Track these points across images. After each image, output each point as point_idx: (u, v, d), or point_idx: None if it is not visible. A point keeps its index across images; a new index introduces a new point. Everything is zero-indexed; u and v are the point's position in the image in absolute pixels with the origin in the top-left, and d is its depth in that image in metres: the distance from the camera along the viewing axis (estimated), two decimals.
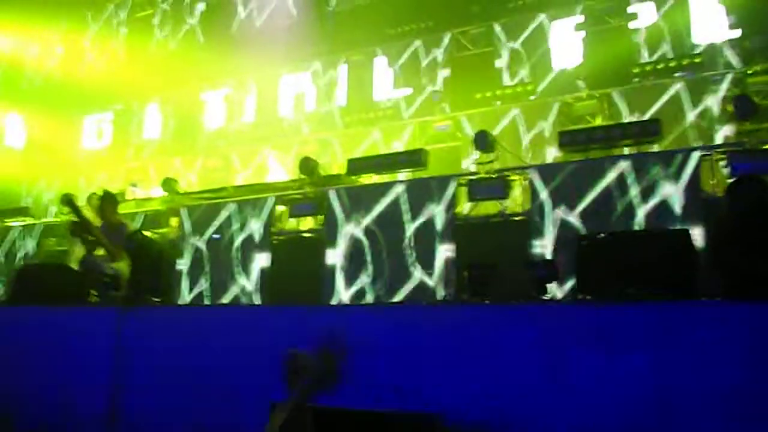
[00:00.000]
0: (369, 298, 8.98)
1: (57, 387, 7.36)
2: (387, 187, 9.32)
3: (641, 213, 7.58)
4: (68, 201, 9.86)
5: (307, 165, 10.42)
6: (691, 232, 5.78)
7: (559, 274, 6.37)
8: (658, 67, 10.63)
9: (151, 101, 16.42)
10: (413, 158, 9.82)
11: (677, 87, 10.46)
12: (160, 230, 11.03)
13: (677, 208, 7.42)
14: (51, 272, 9.37)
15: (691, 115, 10.28)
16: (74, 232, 9.44)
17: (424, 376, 5.41)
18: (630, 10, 10.96)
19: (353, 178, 10.18)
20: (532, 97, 11.76)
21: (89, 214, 9.77)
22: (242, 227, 10.31)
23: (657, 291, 5.09)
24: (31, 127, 18.12)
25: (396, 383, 5.38)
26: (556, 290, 6.31)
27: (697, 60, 10.40)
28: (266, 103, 14.68)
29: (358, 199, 9.39)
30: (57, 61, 18.17)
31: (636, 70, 10.81)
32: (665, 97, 10.48)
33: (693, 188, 7.43)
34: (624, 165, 7.82)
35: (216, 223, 10.53)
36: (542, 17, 11.87)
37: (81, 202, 10.23)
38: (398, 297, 8.74)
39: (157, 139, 16.23)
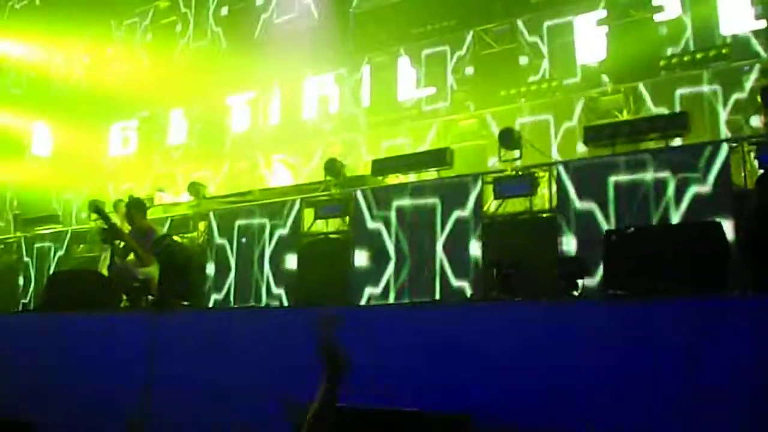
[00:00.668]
0: (396, 298, 8.96)
1: (88, 392, 7.42)
2: (413, 186, 9.30)
3: (670, 207, 7.49)
4: (96, 208, 9.98)
5: (333, 166, 10.45)
6: (721, 224, 5.69)
7: (588, 269, 6.32)
8: (684, 59, 10.50)
9: (176, 107, 16.52)
10: (438, 157, 9.80)
11: (704, 79, 10.34)
12: (188, 234, 11.10)
13: (707, 201, 7.32)
14: (81, 279, 9.45)
15: (719, 107, 10.16)
16: (105, 239, 9.52)
17: (453, 376, 5.39)
18: (655, 2, 10.83)
19: (379, 178, 10.18)
20: (556, 93, 11.70)
21: (117, 220, 9.86)
22: (269, 230, 10.33)
23: (687, 285, 5.04)
24: (58, 135, 18.32)
25: (425, 383, 5.36)
26: (585, 286, 6.24)
27: (724, 51, 10.27)
28: (290, 106, 14.72)
29: (384, 200, 9.38)
30: (83, 70, 18.34)
31: (662, 63, 10.69)
32: (692, 90, 10.36)
33: (723, 181, 7.33)
34: (651, 159, 7.74)
35: (243, 227, 10.56)
36: (565, 12, 11.78)
37: (108, 208, 10.33)
38: (426, 296, 8.71)
39: (183, 145, 16.34)
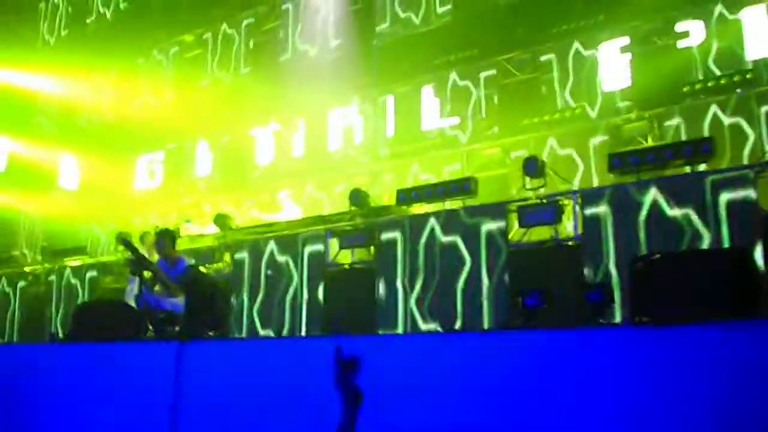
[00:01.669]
0: (423, 326, 8.94)
1: (116, 423, 7.45)
2: (437, 215, 9.30)
3: (698, 233, 7.43)
4: (124, 240, 10.06)
5: (357, 196, 10.48)
6: (750, 250, 5.64)
7: (614, 297, 6.28)
8: (709, 85, 10.49)
9: (202, 139, 16.68)
10: (463, 186, 9.79)
11: (729, 104, 10.30)
12: (214, 265, 11.15)
13: (734, 227, 7.26)
14: (108, 310, 9.54)
15: (746, 132, 10.11)
16: (133, 270, 9.58)
17: (479, 405, 5.36)
18: (678, 29, 10.83)
19: (403, 207, 10.19)
20: (580, 121, 11.69)
21: (144, 251, 9.94)
22: (294, 260, 10.36)
23: (717, 311, 4.99)
24: (85, 168, 18.53)
25: (452, 412, 5.34)
26: (612, 314, 6.21)
27: (748, 76, 10.23)
28: (315, 138, 14.81)
29: (409, 229, 9.38)
30: (108, 103, 18.59)
31: (686, 89, 10.68)
32: (719, 115, 10.33)
33: (751, 206, 7.27)
34: (677, 184, 7.70)
35: (269, 257, 10.59)
36: (588, 40, 11.81)
37: (135, 240, 10.42)
38: (451, 324, 8.68)
39: (208, 177, 16.48)
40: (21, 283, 13.81)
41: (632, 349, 5.07)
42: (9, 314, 13.71)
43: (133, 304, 9.61)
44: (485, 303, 8.54)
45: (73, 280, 12.93)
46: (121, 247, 11.70)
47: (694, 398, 4.65)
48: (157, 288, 9.29)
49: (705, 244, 7.31)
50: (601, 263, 7.89)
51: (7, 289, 13.96)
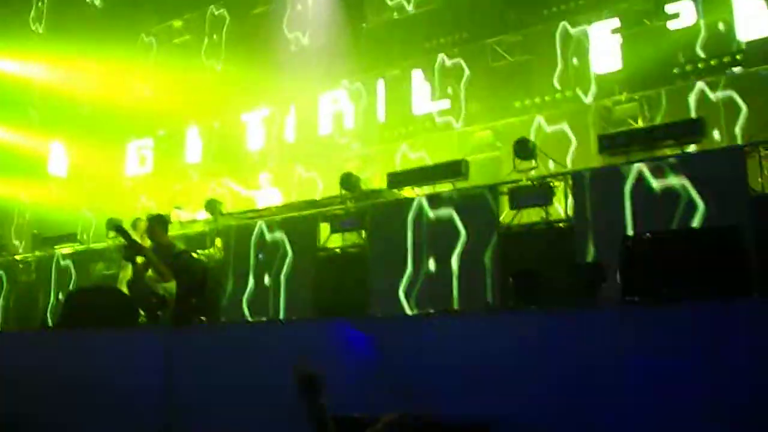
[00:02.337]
0: (414, 308, 8.94)
1: (107, 409, 7.44)
2: (428, 198, 9.29)
3: (687, 213, 7.44)
4: (116, 226, 10.04)
5: (349, 180, 10.46)
6: (739, 228, 5.63)
7: (607, 276, 6.28)
8: (699, 66, 10.49)
9: (192, 125, 16.63)
10: (454, 169, 9.79)
11: (720, 85, 10.30)
12: (205, 251, 11.13)
13: (723, 206, 7.27)
14: (99, 296, 9.51)
15: (737, 111, 10.10)
16: (127, 256, 9.56)
17: (472, 385, 5.37)
18: (669, 10, 10.80)
19: (395, 191, 10.18)
20: (570, 103, 11.69)
21: (136, 237, 9.91)
22: (285, 245, 10.35)
23: (705, 290, 5.00)
24: (75, 155, 18.47)
25: (444, 392, 5.34)
26: (603, 293, 6.20)
27: (738, 57, 10.23)
28: (306, 122, 14.78)
29: (400, 212, 9.37)
30: (98, 90, 18.49)
31: (676, 71, 10.68)
32: (708, 96, 10.32)
33: (740, 186, 7.28)
34: (667, 165, 7.70)
35: (259, 242, 10.58)
36: (578, 22, 11.79)
37: (126, 226, 10.39)
38: (443, 306, 8.69)
39: (199, 163, 16.44)
40: (12, 271, 13.78)
41: (623, 328, 5.08)
42: (1, 302, 13.69)
43: (125, 290, 9.60)
44: (478, 286, 8.55)
45: (65, 268, 12.90)
46: (113, 233, 11.69)
47: (684, 377, 4.67)
48: (149, 274, 9.27)
49: (695, 223, 7.32)
50: (592, 244, 7.89)
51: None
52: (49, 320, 12.43)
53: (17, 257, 14.35)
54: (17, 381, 8.33)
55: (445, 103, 13.10)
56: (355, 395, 5.28)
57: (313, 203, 11.22)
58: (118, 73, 18.01)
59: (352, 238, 10.11)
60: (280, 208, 11.55)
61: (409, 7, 13.86)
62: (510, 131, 11.87)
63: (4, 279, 13.86)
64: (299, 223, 10.35)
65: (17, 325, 13.06)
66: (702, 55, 10.58)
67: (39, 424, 7.74)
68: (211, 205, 11.94)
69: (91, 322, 8.40)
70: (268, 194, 13.14)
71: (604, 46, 11.32)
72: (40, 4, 20.44)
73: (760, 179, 7.55)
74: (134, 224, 11.12)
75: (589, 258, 7.89)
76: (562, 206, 8.65)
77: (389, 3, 14.10)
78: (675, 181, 7.54)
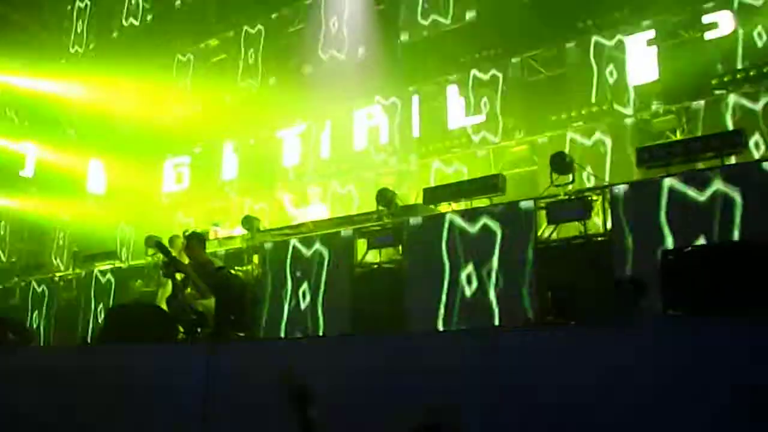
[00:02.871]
0: (453, 324, 8.91)
1: (146, 425, 7.49)
2: (465, 214, 9.26)
3: (729, 226, 7.34)
4: (156, 243, 10.14)
5: (385, 196, 10.45)
6: None
7: (646, 290, 6.22)
8: (738, 77, 10.38)
9: (228, 142, 16.78)
10: (490, 184, 9.75)
11: (759, 96, 10.17)
12: (243, 267, 11.19)
13: (765, 219, 7.16)
14: (139, 312, 9.60)
15: None
16: (166, 273, 9.64)
17: (509, 398, 5.33)
18: (705, 20, 10.72)
19: (431, 207, 10.16)
20: (607, 117, 11.62)
21: (174, 254, 10.00)
22: (323, 261, 10.36)
23: (748, 304, 4.93)
24: (112, 173, 18.70)
25: (482, 405, 5.32)
26: (643, 307, 6.14)
27: None
28: (341, 138, 14.85)
29: (437, 228, 9.35)
30: (135, 108, 18.73)
31: (714, 82, 10.57)
32: (747, 107, 10.20)
33: None
34: (708, 177, 7.61)
35: (297, 259, 10.61)
36: (613, 35, 11.73)
37: (164, 243, 10.48)
38: (482, 323, 8.64)
39: (235, 179, 16.57)
40: (53, 289, 13.96)
41: (665, 341, 5.02)
42: (44, 319, 13.87)
43: (164, 306, 9.68)
44: (517, 300, 8.49)
45: (105, 285, 13.04)
46: (152, 250, 11.81)
47: (726, 390, 4.60)
48: (188, 290, 9.34)
49: (736, 236, 7.22)
50: (631, 258, 7.82)
51: (40, 295, 14.12)
52: (90, 337, 12.57)
53: (58, 274, 14.53)
54: (57, 396, 8.42)
55: (481, 118, 13.08)
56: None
57: (349, 219, 11.23)
58: (155, 91, 18.25)
59: (388, 253, 10.11)
60: (316, 223, 11.57)
61: (445, 22, 13.86)
62: (546, 145, 11.82)
63: (47, 296, 14.04)
64: (335, 239, 10.36)
65: (58, 342, 13.20)
66: (740, 65, 10.48)
67: None
68: (248, 222, 12.00)
69: (130, 338, 8.47)
70: (315, 210, 13.16)
71: (641, 58, 11.25)
72: (78, 26, 20.77)
73: None
74: (172, 241, 11.22)
75: (628, 272, 7.81)
76: (600, 220, 8.58)
77: (423, 19, 14.13)
78: (715, 193, 7.44)
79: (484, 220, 9.00)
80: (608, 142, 11.41)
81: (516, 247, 8.69)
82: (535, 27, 12.72)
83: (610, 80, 11.70)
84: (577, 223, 8.70)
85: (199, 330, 9.06)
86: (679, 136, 10.44)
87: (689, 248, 6.04)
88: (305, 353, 7.09)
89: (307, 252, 10.51)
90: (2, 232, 20.52)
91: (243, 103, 16.45)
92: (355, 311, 9.82)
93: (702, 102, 10.65)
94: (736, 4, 10.58)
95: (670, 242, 7.57)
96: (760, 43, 10.38)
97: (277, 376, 4.28)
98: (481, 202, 9.68)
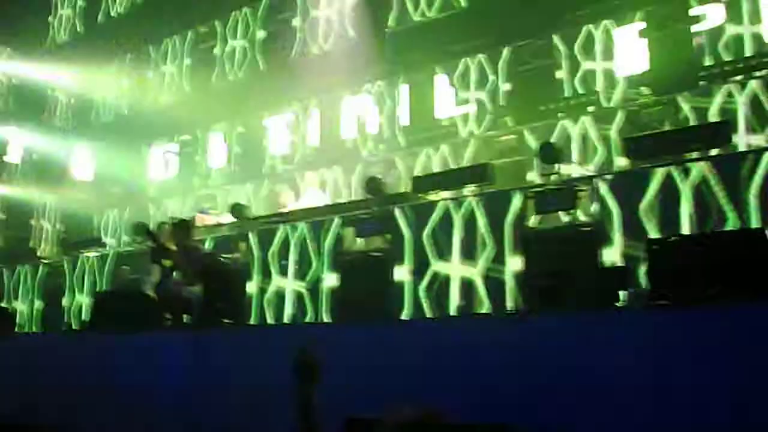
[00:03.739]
0: (439, 312, 8.93)
1: (133, 410, 7.50)
2: (453, 202, 9.27)
3: (715, 216, 7.38)
4: (144, 229, 10.12)
5: (372, 184, 10.45)
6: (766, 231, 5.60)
7: (632, 279, 6.27)
8: (726, 68, 10.43)
9: (216, 130, 16.75)
10: (479, 173, 9.76)
11: (747, 87, 10.21)
12: (230, 254, 11.17)
13: (752, 209, 7.21)
14: (126, 299, 9.59)
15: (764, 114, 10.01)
16: (154, 259, 9.64)
17: (494, 386, 5.36)
18: (693, 12, 10.76)
19: (419, 195, 10.16)
20: (595, 107, 11.65)
21: (162, 241, 9.99)
22: (309, 249, 10.36)
23: (732, 293, 4.97)
24: (99, 159, 18.65)
25: (467, 393, 5.34)
26: (628, 296, 6.18)
27: (766, 59, 10.15)
28: (329, 126, 14.83)
29: (425, 216, 9.36)
30: (123, 95, 18.68)
31: (703, 73, 10.61)
32: (737, 98, 10.24)
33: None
34: (694, 168, 7.64)
35: (283, 246, 10.60)
36: (603, 26, 11.75)
37: (152, 230, 10.46)
38: (468, 310, 8.67)
39: (223, 167, 16.54)
40: (39, 275, 13.91)
41: (650, 331, 5.06)
42: (28, 305, 13.83)
43: (151, 293, 9.67)
44: (502, 288, 8.52)
45: (91, 271, 13.01)
46: (140, 237, 11.79)
47: (713, 379, 4.64)
48: (175, 276, 9.35)
49: (723, 226, 7.27)
50: (617, 247, 7.86)
51: (26, 281, 14.08)
52: (76, 323, 12.55)
53: (44, 261, 14.48)
54: (43, 383, 8.42)
55: (469, 108, 13.09)
56: (365, 396, 5.31)
57: (336, 207, 11.22)
58: (141, 77, 18.20)
59: (375, 241, 10.10)
60: (303, 212, 11.55)
61: (432, 12, 13.83)
62: (535, 135, 11.84)
63: (31, 282, 14.00)
64: (323, 227, 10.35)
65: (44, 328, 13.16)
66: (728, 57, 10.53)
67: (63, 425, 7.81)
68: (236, 209, 11.97)
69: (117, 324, 8.47)
70: (313, 196, 13.13)
71: (630, 49, 11.27)
72: (62, 12, 20.67)
73: None
74: (159, 228, 11.19)
75: (614, 261, 7.85)
76: (587, 210, 8.60)
77: (412, 8, 14.09)
78: (702, 183, 7.48)
79: (472, 208, 9.01)
80: (596, 132, 11.42)
81: (502, 235, 8.70)
82: (525, 17, 12.71)
83: (599, 71, 11.73)
84: (564, 212, 8.72)
85: (186, 316, 9.07)
86: (667, 127, 10.46)
87: (674, 237, 6.07)
88: (293, 339, 7.11)
89: (294, 239, 10.50)
90: None
91: (231, 91, 16.38)
92: (342, 299, 9.82)
93: (690, 93, 10.66)
94: None
95: (657, 232, 7.60)
96: (747, 35, 10.42)
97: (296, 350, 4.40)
98: (469, 191, 9.69)
